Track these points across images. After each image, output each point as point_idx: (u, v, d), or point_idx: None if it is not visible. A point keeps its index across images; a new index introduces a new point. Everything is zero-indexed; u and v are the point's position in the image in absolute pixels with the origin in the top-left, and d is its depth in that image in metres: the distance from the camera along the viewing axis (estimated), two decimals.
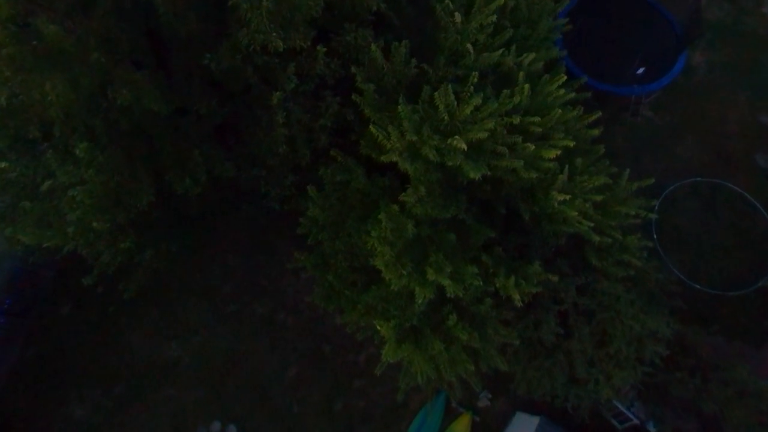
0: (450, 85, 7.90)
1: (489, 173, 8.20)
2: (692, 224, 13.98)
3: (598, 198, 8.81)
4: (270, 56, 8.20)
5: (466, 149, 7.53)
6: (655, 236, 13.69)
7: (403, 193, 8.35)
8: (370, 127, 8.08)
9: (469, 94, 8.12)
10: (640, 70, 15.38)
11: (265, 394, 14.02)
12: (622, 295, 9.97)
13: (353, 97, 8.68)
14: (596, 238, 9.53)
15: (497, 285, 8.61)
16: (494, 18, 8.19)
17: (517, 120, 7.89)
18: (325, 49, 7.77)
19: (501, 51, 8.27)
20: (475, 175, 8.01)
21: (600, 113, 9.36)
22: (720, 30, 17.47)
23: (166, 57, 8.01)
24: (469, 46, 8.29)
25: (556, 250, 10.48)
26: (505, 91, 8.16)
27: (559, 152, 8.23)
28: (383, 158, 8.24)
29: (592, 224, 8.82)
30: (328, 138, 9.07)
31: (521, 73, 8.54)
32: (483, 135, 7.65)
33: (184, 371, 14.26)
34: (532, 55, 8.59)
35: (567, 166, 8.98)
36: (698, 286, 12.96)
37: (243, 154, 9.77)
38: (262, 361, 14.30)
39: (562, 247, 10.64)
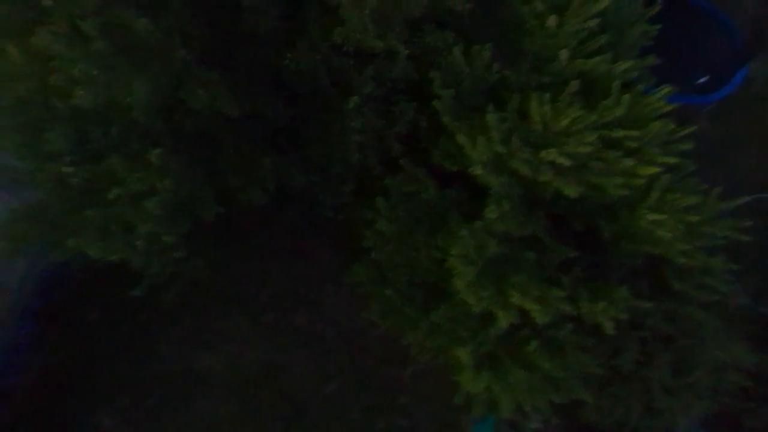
0: (547, 94, 7.25)
1: (582, 190, 7.56)
2: (756, 243, 13.32)
3: (694, 218, 8.17)
4: (346, 57, 7.57)
5: (569, 165, 6.89)
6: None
7: (487, 209, 7.70)
8: (458, 136, 7.44)
9: (564, 103, 7.49)
10: (702, 79, 14.73)
11: (302, 410, 13.37)
12: (706, 321, 9.33)
13: (434, 103, 8.05)
14: (683, 261, 8.90)
15: (584, 310, 7.97)
16: (595, 23, 7.54)
17: (620, 133, 7.24)
18: (407, 52, 7.13)
19: (600, 58, 7.61)
20: (570, 192, 7.37)
21: (695, 127, 8.72)
22: None
23: (232, 55, 7.38)
24: (563, 52, 7.64)
25: (633, 271, 9.84)
26: (604, 102, 7.52)
27: (659, 170, 7.59)
28: (470, 170, 7.60)
29: (687, 247, 8.18)
30: (401, 146, 8.45)
31: (616, 82, 7.89)
32: (585, 149, 7.00)
33: (218, 383, 13.61)
34: (628, 63, 7.94)
35: (658, 183, 8.35)
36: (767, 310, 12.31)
37: (299, 159, 9.15)
38: (300, 375, 13.65)
39: (639, 268, 10.01)
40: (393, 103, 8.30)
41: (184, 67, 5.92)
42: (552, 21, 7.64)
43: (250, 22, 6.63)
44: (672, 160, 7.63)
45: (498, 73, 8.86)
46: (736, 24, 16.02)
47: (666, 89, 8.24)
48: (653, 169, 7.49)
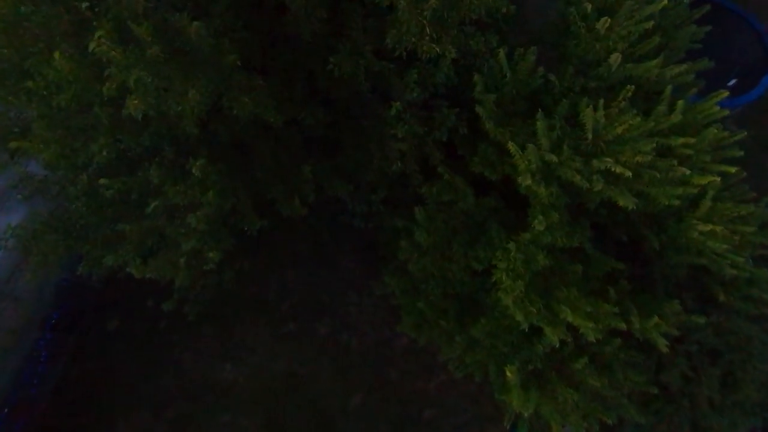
0: (602, 101, 6.93)
1: (637, 201, 7.22)
2: None
3: (749, 229, 7.82)
4: (388, 61, 7.26)
5: (630, 175, 6.56)
6: None
7: (535, 220, 7.37)
8: (509, 145, 7.11)
9: (618, 110, 7.17)
10: (732, 82, 14.38)
11: (327, 424, 13.03)
12: (755, 335, 8.96)
13: (477, 109, 7.73)
14: (731, 272, 8.56)
15: (635, 326, 7.62)
16: (649, 25, 7.21)
17: (677, 141, 6.91)
18: (453, 55, 6.81)
19: (654, 62, 7.28)
20: (626, 203, 7.04)
21: (745, 132, 8.40)
22: None
23: (273, 59, 7.09)
24: (614, 56, 7.30)
25: (677, 283, 9.49)
26: (659, 108, 7.19)
27: (717, 179, 7.26)
28: (519, 180, 7.27)
29: (741, 259, 7.83)
30: (442, 154, 8.13)
31: (668, 87, 7.57)
32: (642, 158, 6.67)
33: (240, 395, 13.29)
34: (682, 67, 7.62)
35: (709, 192, 8.02)
36: None
37: (331, 167, 8.85)
38: (324, 387, 13.33)
39: (682, 279, 9.66)
40: (434, 108, 7.99)
41: (232, 73, 5.62)
42: (602, 23, 7.31)
43: (292, 25, 6.33)
44: (730, 169, 7.31)
45: (542, 77, 8.56)
46: (764, 27, 15.63)
47: (723, 93, 7.92)
48: (710, 178, 7.14)
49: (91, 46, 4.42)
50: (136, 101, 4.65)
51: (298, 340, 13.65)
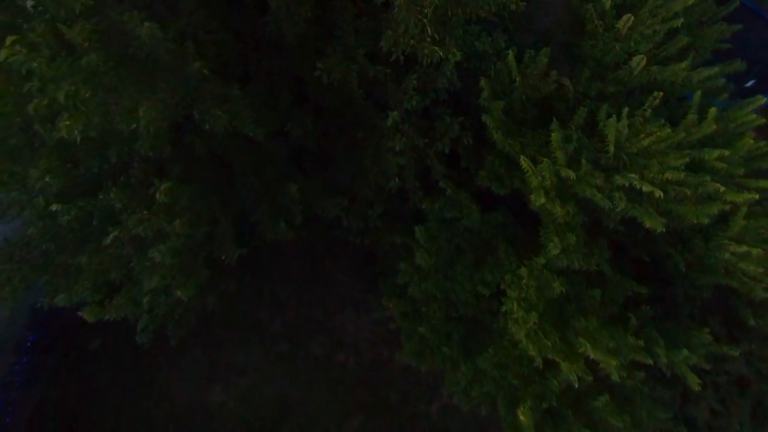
0: (626, 109, 6.14)
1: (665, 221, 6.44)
2: None
3: None
4: (383, 65, 6.47)
5: (662, 195, 5.78)
6: None
7: (550, 244, 6.59)
8: (522, 160, 6.33)
9: (642, 119, 6.39)
10: (750, 83, 13.62)
11: None
12: None
13: (483, 118, 6.95)
14: (763, 295, 7.79)
15: (662, 359, 6.84)
16: (678, 23, 6.43)
17: (712, 155, 6.13)
18: (458, 58, 6.02)
19: (684, 64, 6.50)
20: (653, 225, 6.26)
21: None
22: None
23: (254, 65, 6.31)
24: (639, 58, 6.52)
25: (702, 305, 8.71)
26: (689, 117, 6.41)
27: (755, 196, 6.48)
28: (533, 197, 6.50)
29: None
30: (444, 166, 7.35)
31: (698, 93, 6.78)
32: (674, 175, 5.88)
33: (230, 420, 12.51)
34: (713, 69, 6.84)
35: (741, 209, 7.24)
36: None
37: (324, 181, 8.06)
38: (319, 410, 12.54)
39: (707, 301, 8.88)
40: (435, 117, 7.21)
41: (200, 82, 4.84)
42: (624, 22, 6.53)
43: (274, 26, 5.56)
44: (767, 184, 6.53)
45: (555, 82, 7.79)
46: None
47: (760, 99, 7.14)
48: (748, 195, 6.36)
49: (2, 54, 3.61)
50: (68, 122, 3.85)
51: (291, 360, 12.88)
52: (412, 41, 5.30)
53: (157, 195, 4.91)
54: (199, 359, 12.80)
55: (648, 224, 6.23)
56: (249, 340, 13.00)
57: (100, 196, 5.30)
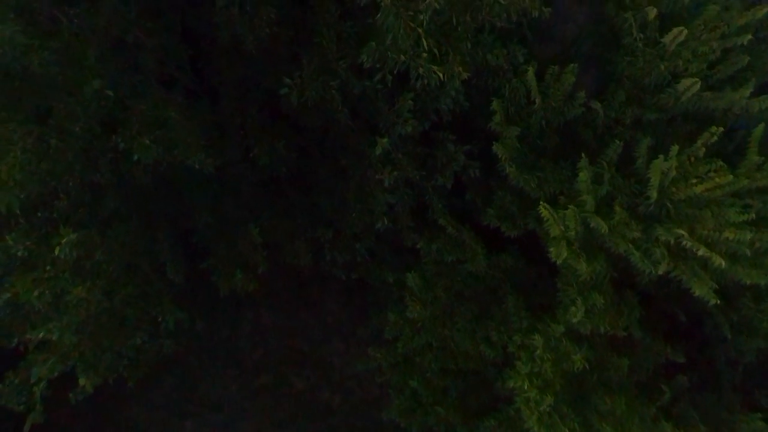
0: (675, 146, 4.89)
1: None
2: None
3: None
4: (371, 81, 5.24)
5: (723, 264, 4.54)
6: None
7: (572, 308, 5.35)
8: (542, 207, 5.09)
9: (693, 158, 5.13)
10: None
11: None
12: None
13: (495, 147, 5.71)
14: None
15: None
16: (744, 40, 5.19)
17: None
18: (466, 75, 4.77)
19: (747, 90, 5.25)
20: (706, 296, 5.04)
21: None
22: None
23: (206, 75, 5.11)
24: (690, 81, 5.27)
25: (745, 371, 7.44)
26: (753, 156, 5.15)
27: None
28: (553, 251, 5.28)
29: None
30: (445, 203, 6.13)
31: (760, 127, 5.52)
32: (739, 234, 4.62)
33: None
34: None
35: None
36: None
37: (305, 206, 6.86)
38: None
39: (751, 366, 7.62)
40: (436, 143, 5.98)
41: (126, 101, 3.64)
42: (673, 36, 5.27)
43: (227, 31, 4.37)
44: None
45: (582, 105, 6.56)
46: None
47: None
48: None
49: None
50: None
51: (271, 395, 11.60)
52: (402, 57, 4.08)
53: (57, 250, 3.72)
54: (170, 392, 11.55)
55: (697, 292, 4.97)
56: (227, 372, 11.73)
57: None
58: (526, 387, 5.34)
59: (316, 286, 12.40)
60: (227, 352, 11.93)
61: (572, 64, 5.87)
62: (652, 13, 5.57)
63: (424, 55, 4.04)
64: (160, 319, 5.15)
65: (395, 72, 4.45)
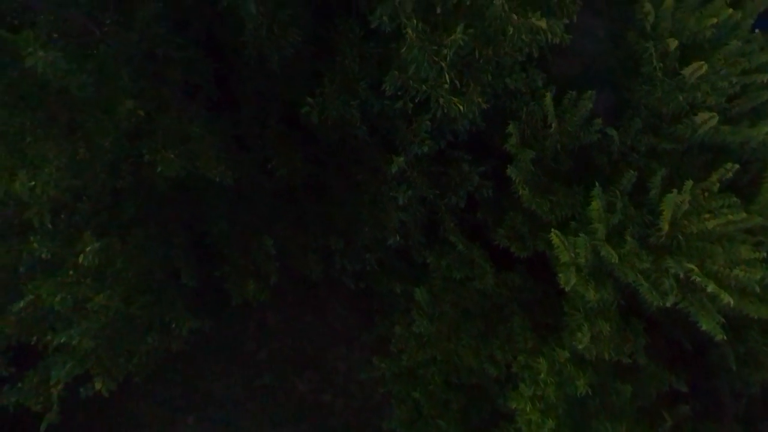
0: (690, 182, 4.93)
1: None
2: None
3: None
4: (391, 101, 5.31)
5: (731, 302, 4.58)
6: None
7: (579, 333, 5.40)
8: (552, 233, 5.15)
9: (707, 192, 5.17)
10: None
11: None
12: None
13: (509, 171, 5.77)
14: None
15: None
16: (765, 78, 5.22)
17: None
18: (486, 106, 4.83)
19: (765, 126, 5.28)
20: (713, 331, 5.06)
21: None
22: None
23: (233, 89, 5.21)
24: (708, 115, 5.31)
25: (748, 403, 7.45)
26: (766, 194, 5.18)
27: None
28: (561, 277, 5.34)
29: None
30: (456, 221, 6.19)
31: None
32: (750, 273, 4.66)
33: None
34: None
35: None
36: None
37: (318, 215, 6.94)
38: None
39: (755, 396, 7.62)
40: (451, 162, 6.05)
41: (137, 117, 3.73)
42: (693, 69, 5.30)
43: (255, 50, 4.46)
44: None
45: (598, 132, 6.61)
46: None
47: None
48: None
49: None
50: None
51: (273, 395, 11.71)
52: (424, 87, 4.16)
53: (81, 258, 3.83)
54: (173, 388, 11.66)
55: (704, 327, 5.01)
56: (230, 370, 11.84)
57: (19, 244, 4.22)
58: (528, 409, 5.41)
59: (323, 290, 12.48)
60: (232, 351, 12.03)
61: (590, 91, 5.92)
62: (673, 44, 5.60)
63: (446, 86, 4.13)
64: (173, 325, 5.25)
65: (415, 101, 4.53)
